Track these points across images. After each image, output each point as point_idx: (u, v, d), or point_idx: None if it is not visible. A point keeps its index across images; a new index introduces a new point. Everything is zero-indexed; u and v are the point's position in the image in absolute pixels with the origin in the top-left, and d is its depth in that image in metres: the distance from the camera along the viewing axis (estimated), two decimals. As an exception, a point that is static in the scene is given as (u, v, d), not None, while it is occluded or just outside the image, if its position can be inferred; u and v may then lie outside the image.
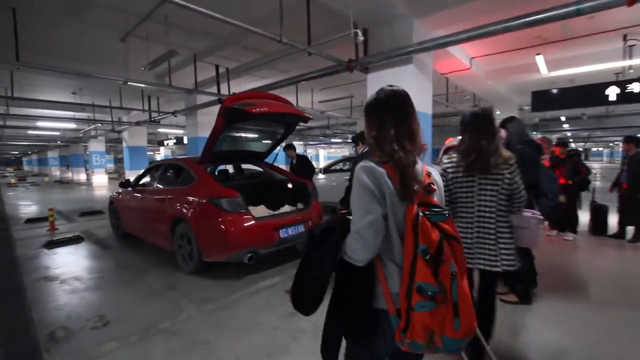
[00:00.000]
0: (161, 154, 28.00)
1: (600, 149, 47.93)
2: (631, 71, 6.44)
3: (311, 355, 2.27)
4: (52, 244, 5.39)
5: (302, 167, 5.97)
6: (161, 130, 17.16)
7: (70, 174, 24.42)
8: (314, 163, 9.57)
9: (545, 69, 5.75)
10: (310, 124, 14.48)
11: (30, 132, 15.96)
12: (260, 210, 4.08)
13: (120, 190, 5.52)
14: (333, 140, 23.97)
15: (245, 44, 5.75)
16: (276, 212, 4.10)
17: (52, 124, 12.44)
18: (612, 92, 5.00)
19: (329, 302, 1.21)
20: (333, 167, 8.17)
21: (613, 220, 5.40)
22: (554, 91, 6.91)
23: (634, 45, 5.72)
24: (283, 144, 5.22)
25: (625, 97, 4.95)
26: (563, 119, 13.72)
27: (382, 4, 4.08)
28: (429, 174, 1.16)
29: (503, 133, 2.90)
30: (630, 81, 4.90)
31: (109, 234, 6.07)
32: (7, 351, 2.44)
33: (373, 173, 1.06)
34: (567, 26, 5.10)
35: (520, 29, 3.33)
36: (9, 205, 10.65)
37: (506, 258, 1.90)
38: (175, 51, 4.88)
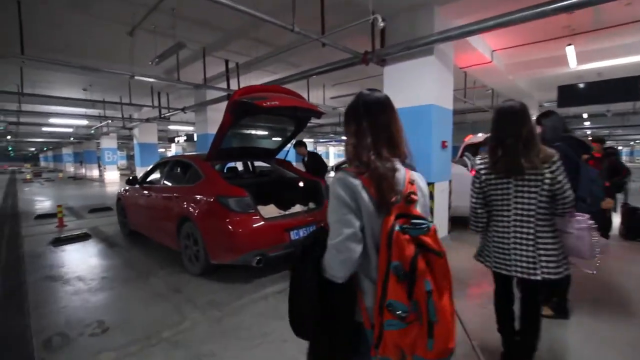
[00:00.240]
0: (172, 151, 28.16)
1: (620, 147, 46.38)
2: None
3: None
4: (59, 241, 5.30)
5: (315, 164, 5.74)
6: (172, 127, 17.18)
7: (83, 170, 24.78)
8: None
9: (575, 62, 5.36)
10: (321, 120, 14.24)
11: (44, 128, 16.17)
12: (270, 210, 3.87)
13: (127, 187, 5.39)
14: (344, 137, 23.63)
15: (256, 37, 5.53)
16: (287, 212, 3.89)
17: (64, 120, 12.52)
18: (648, 86, 4.61)
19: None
20: (345, 165, 7.90)
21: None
22: (581, 85, 6.52)
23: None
24: (293, 141, 5.00)
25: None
26: (585, 115, 13.10)
27: (401, -10, 3.82)
28: (411, 182, 1.08)
29: (538, 129, 2.63)
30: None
31: (116, 231, 5.96)
32: (-1, 359, 2.29)
33: (348, 185, 1.02)
34: (600, 14, 4.73)
35: (556, 13, 3.01)
36: (23, 201, 10.75)
37: (546, 265, 1.73)
38: (183, 44, 4.70)
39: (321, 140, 29.25)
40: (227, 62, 6.76)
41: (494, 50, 6.48)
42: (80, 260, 4.43)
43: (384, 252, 0.97)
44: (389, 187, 1.01)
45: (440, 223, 4.51)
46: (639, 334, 2.53)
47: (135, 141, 15.18)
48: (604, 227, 4.85)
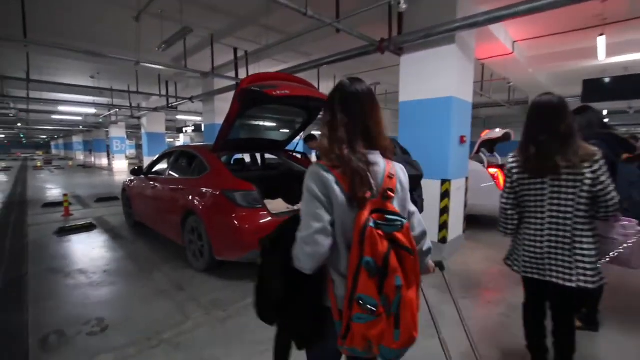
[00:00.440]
0: (180, 141, 28.19)
1: None
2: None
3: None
4: (63, 231, 5.23)
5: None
6: (180, 117, 17.07)
7: (92, 159, 24.96)
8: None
9: (604, 54, 5.03)
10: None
11: (54, 116, 16.22)
12: (278, 205, 3.70)
13: (132, 178, 5.27)
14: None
15: (266, 24, 5.30)
16: (295, 207, 3.71)
17: (72, 108, 12.46)
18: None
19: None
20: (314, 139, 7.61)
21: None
22: (607, 80, 6.17)
23: None
24: (303, 134, 4.79)
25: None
26: (605, 112, 12.60)
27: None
28: (390, 176, 1.07)
29: None
30: None
31: (121, 222, 5.87)
32: (-7, 358, 2.18)
33: (320, 179, 1.02)
34: (636, 1, 4.38)
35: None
36: (32, 188, 10.79)
37: (583, 273, 1.60)
38: (190, 28, 4.50)
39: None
40: (235, 50, 6.54)
41: (515, 41, 6.14)
42: (84, 252, 4.34)
43: (356, 248, 0.96)
44: (362, 182, 1.00)
45: (456, 222, 4.29)
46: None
47: (143, 130, 15.12)
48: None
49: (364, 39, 4.00)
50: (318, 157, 1.16)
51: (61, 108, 12.72)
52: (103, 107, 12.21)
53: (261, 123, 4.28)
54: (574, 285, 1.61)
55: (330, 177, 1.01)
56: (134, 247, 4.53)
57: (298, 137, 4.54)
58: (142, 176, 4.92)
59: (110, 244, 4.70)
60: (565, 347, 1.81)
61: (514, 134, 6.15)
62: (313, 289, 1.11)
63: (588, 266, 1.59)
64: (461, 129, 4.18)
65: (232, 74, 6.78)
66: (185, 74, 8.59)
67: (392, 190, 1.05)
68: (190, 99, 8.84)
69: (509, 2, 3.16)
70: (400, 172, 1.14)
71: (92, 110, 13.56)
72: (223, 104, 8.36)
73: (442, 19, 3.64)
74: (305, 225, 1.02)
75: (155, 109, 11.81)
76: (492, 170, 5.51)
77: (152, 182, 4.56)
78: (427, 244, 1.25)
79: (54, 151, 52.69)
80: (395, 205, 1.06)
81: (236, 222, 3.18)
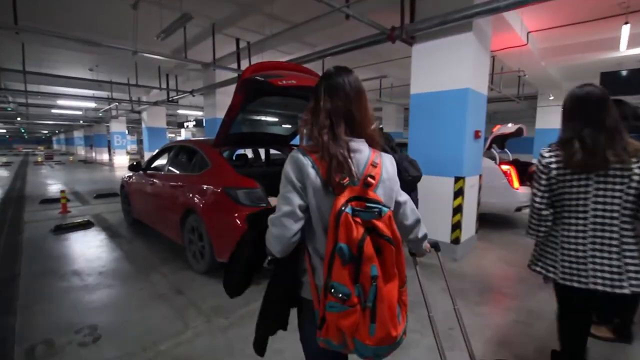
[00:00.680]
0: (182, 136, 27.98)
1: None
2: None
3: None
4: (60, 229, 5.04)
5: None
6: (181, 111, 16.86)
7: (93, 154, 24.81)
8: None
9: (626, 44, 4.76)
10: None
11: (53, 111, 16.03)
12: (283, 204, 3.49)
13: (131, 174, 5.07)
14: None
15: (270, 12, 5.06)
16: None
17: (72, 102, 12.28)
18: None
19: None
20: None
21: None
22: (624, 73, 5.91)
23: None
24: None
25: None
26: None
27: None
28: (374, 164, 1.07)
29: None
30: None
31: (120, 219, 5.69)
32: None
33: (297, 163, 1.03)
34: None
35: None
36: (31, 184, 10.62)
37: (636, 277, 1.49)
38: (190, 15, 4.26)
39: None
40: (237, 40, 6.29)
41: (529, 32, 5.87)
42: (79, 251, 4.15)
43: (331, 233, 0.95)
44: (339, 167, 0.99)
45: (469, 221, 4.07)
46: None
47: (143, 125, 14.92)
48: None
49: (375, 26, 3.76)
50: None
51: (60, 102, 12.54)
52: (103, 101, 12.00)
53: (264, 117, 4.06)
54: (626, 291, 1.47)
55: (307, 161, 1.01)
56: (132, 247, 4.34)
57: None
58: (141, 172, 4.72)
59: (108, 242, 4.51)
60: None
61: (526, 130, 5.92)
62: (284, 277, 1.13)
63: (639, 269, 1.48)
64: (476, 123, 3.95)
65: (234, 65, 6.54)
66: (185, 66, 8.38)
67: (373, 178, 1.04)
68: (191, 92, 8.62)
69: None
70: (388, 162, 1.13)
71: (92, 104, 13.37)
72: (224, 98, 8.13)
73: (459, 4, 3.39)
74: (277, 208, 1.05)
75: (156, 103, 11.60)
76: (505, 167, 5.28)
77: (150, 179, 4.36)
78: (422, 231, 1.30)
79: (55, 146, 52.64)
80: (379, 194, 1.05)
81: (238, 222, 2.98)
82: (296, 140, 4.37)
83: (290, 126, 4.26)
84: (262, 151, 4.97)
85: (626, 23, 4.43)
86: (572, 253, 1.56)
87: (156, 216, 4.35)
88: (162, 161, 4.61)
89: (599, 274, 1.50)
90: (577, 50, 6.63)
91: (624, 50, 5.26)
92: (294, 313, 1.22)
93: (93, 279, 3.31)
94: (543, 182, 1.60)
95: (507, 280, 3.49)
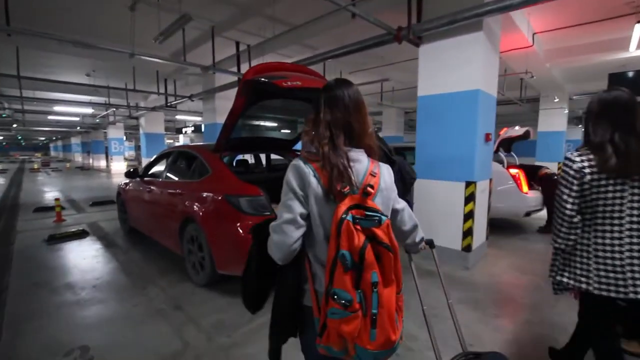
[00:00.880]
0: (180, 142, 27.81)
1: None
2: None
3: None
4: (53, 239, 4.85)
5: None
6: (179, 117, 16.72)
7: (90, 161, 24.59)
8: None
9: (636, 44, 4.65)
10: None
11: (50, 117, 15.84)
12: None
13: (127, 181, 4.89)
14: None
15: (271, 14, 4.94)
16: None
17: (69, 108, 12.10)
18: None
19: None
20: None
21: None
22: (630, 74, 5.82)
23: None
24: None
25: None
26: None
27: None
28: (373, 174, 1.10)
29: None
30: None
31: (116, 228, 5.50)
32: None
33: (298, 171, 1.06)
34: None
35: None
36: (26, 192, 10.41)
37: None
38: (189, 16, 4.12)
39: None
40: (237, 44, 6.17)
41: (535, 33, 5.77)
42: (73, 263, 3.96)
43: (334, 240, 0.97)
44: (340, 176, 1.01)
45: (480, 227, 3.91)
46: None
47: (141, 131, 14.76)
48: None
49: (381, 25, 3.62)
50: None
51: (57, 108, 12.37)
52: (100, 107, 11.84)
53: (266, 121, 3.91)
54: None
55: (308, 170, 1.04)
56: (128, 257, 4.15)
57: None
58: (138, 179, 4.55)
59: (103, 253, 4.32)
60: None
61: (533, 132, 5.80)
62: (286, 284, 1.13)
63: None
64: (486, 125, 3.81)
65: (234, 69, 6.40)
66: (184, 70, 8.25)
67: (372, 187, 1.07)
68: (190, 97, 8.48)
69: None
70: (386, 172, 1.17)
71: (89, 110, 13.18)
72: (224, 102, 7.98)
73: (468, 3, 3.26)
74: (278, 216, 1.07)
75: (154, 109, 11.45)
76: (514, 171, 5.14)
77: (148, 186, 4.19)
78: (419, 235, 1.37)
79: (52, 153, 52.35)
80: (377, 203, 1.07)
81: (241, 232, 2.81)
82: (299, 145, 4.22)
83: (292, 131, 4.11)
84: (262, 157, 4.82)
85: (639, 22, 4.32)
86: (609, 262, 1.48)
87: (153, 225, 4.17)
88: (160, 168, 4.44)
89: (638, 282, 1.43)
90: (582, 51, 6.53)
91: (634, 50, 5.15)
92: None
93: (86, 293, 3.12)
94: (575, 187, 1.51)
95: (523, 289, 3.32)
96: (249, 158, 5.00)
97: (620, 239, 1.47)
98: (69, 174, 17.96)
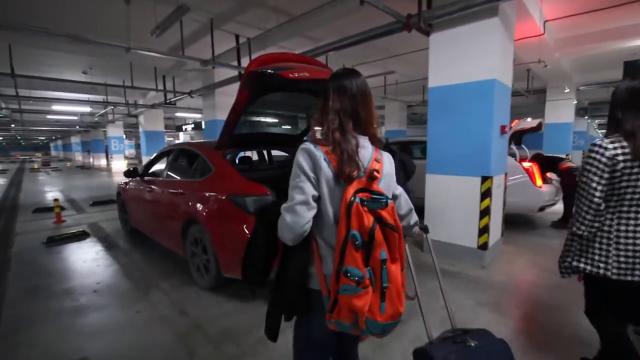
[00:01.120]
0: (180, 140, 27.64)
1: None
2: None
3: None
4: (52, 241, 4.70)
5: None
6: (179, 114, 16.54)
7: (91, 160, 24.44)
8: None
9: (654, 30, 4.47)
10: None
11: (49, 116, 15.67)
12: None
13: (127, 180, 4.73)
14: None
15: (271, 5, 4.74)
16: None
17: (67, 107, 11.94)
18: None
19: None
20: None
21: None
22: (648, 61, 5.64)
23: None
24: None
25: None
26: None
27: None
28: (377, 160, 1.16)
29: None
30: None
31: (117, 228, 5.35)
32: None
33: (310, 155, 1.09)
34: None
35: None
36: (25, 192, 10.27)
37: None
38: (187, 6, 3.95)
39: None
40: (237, 37, 5.97)
41: (547, 21, 5.55)
42: (72, 266, 3.82)
43: (344, 221, 1.02)
44: (350, 160, 1.07)
45: (495, 224, 3.74)
46: None
47: (140, 129, 14.58)
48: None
49: (390, 13, 3.43)
50: None
51: (55, 107, 12.22)
52: (98, 105, 11.65)
53: (270, 116, 3.73)
54: None
55: (319, 154, 1.08)
56: (130, 260, 4.00)
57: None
58: (138, 178, 4.39)
59: (103, 255, 4.17)
60: None
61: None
62: (296, 266, 1.16)
63: None
64: (502, 117, 3.63)
65: (234, 63, 6.21)
66: (182, 65, 8.06)
67: (377, 172, 1.12)
68: (189, 93, 8.30)
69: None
70: (387, 159, 1.22)
71: (87, 109, 13.01)
72: (224, 98, 7.81)
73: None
74: (289, 197, 1.09)
75: (153, 106, 11.25)
76: (527, 164, 4.96)
77: (148, 185, 4.03)
78: (413, 219, 1.44)
79: (53, 152, 52.23)
80: (382, 187, 1.13)
81: (247, 233, 2.65)
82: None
83: (298, 126, 3.93)
84: (264, 152, 4.65)
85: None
86: (630, 247, 1.51)
87: (155, 226, 4.01)
88: (160, 166, 4.28)
89: None
90: (593, 39, 6.31)
91: (651, 37, 4.94)
92: None
93: (86, 299, 2.97)
94: (606, 175, 1.50)
95: (544, 288, 3.16)
96: (251, 155, 4.83)
97: None
98: (70, 173, 17.82)
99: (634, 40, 5.82)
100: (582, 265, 1.63)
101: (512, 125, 5.53)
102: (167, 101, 9.88)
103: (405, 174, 3.72)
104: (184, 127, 18.05)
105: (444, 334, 1.52)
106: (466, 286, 3.12)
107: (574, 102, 9.98)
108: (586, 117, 15.07)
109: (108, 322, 2.59)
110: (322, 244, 1.11)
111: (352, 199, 1.02)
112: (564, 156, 6.66)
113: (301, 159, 1.09)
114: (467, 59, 3.45)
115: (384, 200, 1.07)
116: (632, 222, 1.52)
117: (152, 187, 3.93)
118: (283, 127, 4.03)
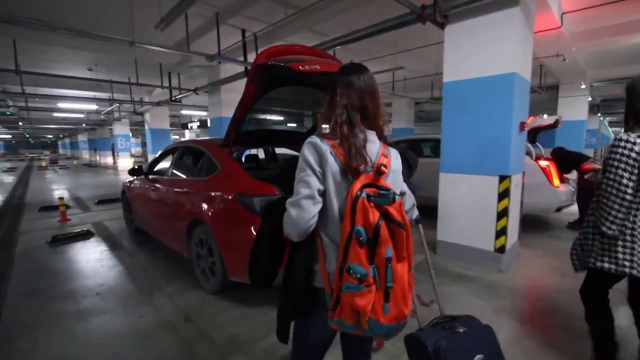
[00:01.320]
0: (186, 138, 27.66)
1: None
2: None
3: None
4: (57, 240, 4.63)
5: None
6: (184, 112, 16.47)
7: (97, 158, 24.57)
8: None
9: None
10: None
11: (55, 114, 15.72)
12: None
13: (132, 179, 4.63)
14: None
15: (279, -2, 4.59)
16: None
17: (72, 104, 11.93)
18: None
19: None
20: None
21: None
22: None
23: None
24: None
25: None
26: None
27: None
28: (385, 155, 1.15)
29: None
30: None
31: (122, 228, 5.27)
32: None
33: (316, 148, 1.07)
34: None
35: None
36: (32, 190, 10.28)
37: None
38: (192, -1, 3.81)
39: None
40: (243, 32, 5.83)
41: (564, 13, 5.33)
42: (76, 267, 3.73)
43: (349, 217, 0.99)
44: (357, 154, 1.04)
45: (513, 226, 3.57)
46: None
47: (146, 126, 14.55)
48: None
49: (404, 3, 3.26)
50: None
51: (61, 104, 12.22)
52: (104, 103, 11.63)
53: (279, 111, 3.60)
54: None
55: (325, 147, 1.06)
56: (134, 260, 3.90)
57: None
58: (143, 176, 4.29)
59: (108, 255, 4.08)
60: None
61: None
62: (302, 264, 1.13)
63: None
64: (521, 113, 3.45)
65: (241, 59, 6.07)
66: (188, 61, 7.95)
67: (385, 167, 1.10)
68: (195, 90, 8.21)
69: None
70: (394, 155, 1.20)
71: (94, 107, 13.01)
72: (230, 95, 7.70)
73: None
74: (295, 191, 1.07)
75: (158, 103, 11.20)
76: (544, 163, 4.76)
77: (153, 184, 3.93)
78: (415, 214, 1.45)
79: (61, 150, 52.77)
80: (389, 183, 1.10)
81: (254, 235, 2.52)
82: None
83: (304, 123, 3.79)
84: (270, 150, 4.52)
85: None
86: None
87: (159, 226, 3.91)
88: (165, 164, 4.17)
89: None
90: (609, 33, 6.07)
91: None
92: None
93: (89, 302, 2.87)
94: (636, 170, 1.46)
95: (567, 294, 2.97)
96: (257, 153, 4.71)
97: None
98: (76, 171, 17.90)
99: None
100: (606, 265, 1.60)
101: (528, 122, 5.33)
102: (173, 98, 9.79)
103: (408, 169, 3.58)
104: (189, 125, 18.01)
105: (434, 321, 1.53)
106: (483, 291, 2.97)
107: (589, 99, 9.68)
108: (599, 115, 14.71)
109: (111, 328, 2.49)
110: (327, 241, 1.08)
111: (359, 193, 0.99)
112: (588, 154, 6.30)
113: (307, 152, 1.07)
114: (485, 52, 3.27)
115: (392, 195, 1.03)
116: None
117: (157, 185, 3.82)
118: (289, 124, 3.89)
